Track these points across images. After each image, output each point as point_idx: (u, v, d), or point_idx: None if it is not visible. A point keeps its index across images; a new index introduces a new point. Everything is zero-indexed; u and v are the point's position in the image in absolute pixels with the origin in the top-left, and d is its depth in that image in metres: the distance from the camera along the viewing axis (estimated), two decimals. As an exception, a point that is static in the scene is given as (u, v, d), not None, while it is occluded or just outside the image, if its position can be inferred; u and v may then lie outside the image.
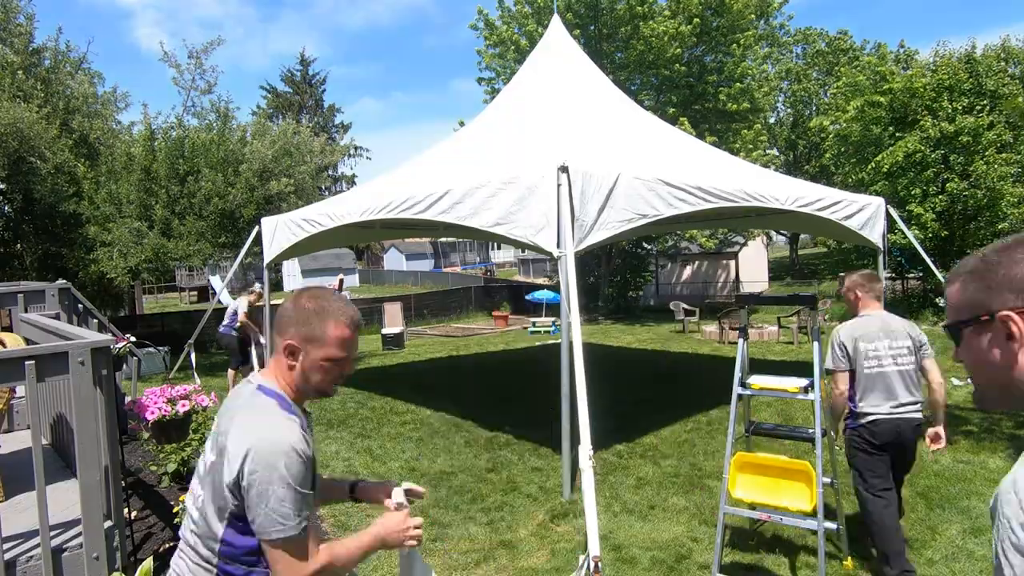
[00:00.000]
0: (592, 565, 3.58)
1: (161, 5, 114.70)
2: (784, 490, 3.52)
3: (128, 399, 4.91)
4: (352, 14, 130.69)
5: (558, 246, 4.90)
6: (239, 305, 8.98)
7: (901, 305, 15.72)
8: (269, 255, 9.24)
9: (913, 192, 14.41)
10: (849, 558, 3.80)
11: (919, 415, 3.68)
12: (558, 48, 8.79)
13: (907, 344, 3.72)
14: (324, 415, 7.82)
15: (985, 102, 14.53)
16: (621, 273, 23.67)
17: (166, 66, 12.84)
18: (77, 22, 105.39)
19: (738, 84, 19.70)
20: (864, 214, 8.12)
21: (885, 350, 3.68)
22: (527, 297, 23.97)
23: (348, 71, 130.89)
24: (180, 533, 1.62)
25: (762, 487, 3.58)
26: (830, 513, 3.88)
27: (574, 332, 4.67)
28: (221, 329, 9.13)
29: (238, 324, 8.92)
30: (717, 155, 8.64)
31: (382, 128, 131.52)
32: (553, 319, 17.59)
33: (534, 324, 18.59)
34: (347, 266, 49.92)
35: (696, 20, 19.15)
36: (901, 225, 8.52)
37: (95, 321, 5.69)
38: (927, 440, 3.73)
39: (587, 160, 5.34)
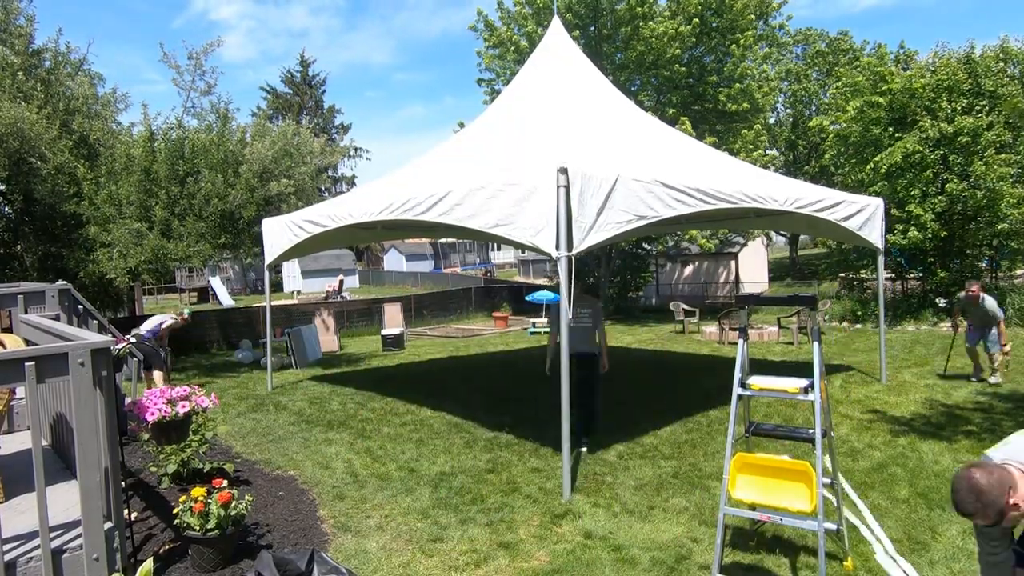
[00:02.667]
0: None
1: (255, 15, 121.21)
2: (784, 491, 3.50)
3: (128, 400, 4.92)
4: (430, 24, 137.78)
5: (557, 247, 4.91)
6: (165, 320, 9.18)
7: (901, 306, 15.70)
8: (270, 256, 9.26)
9: (912, 193, 14.39)
10: (849, 558, 3.79)
11: None
12: (558, 49, 8.80)
13: None
14: (324, 416, 7.82)
15: (984, 102, 14.52)
16: (621, 274, 23.68)
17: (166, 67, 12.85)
18: (175, 35, 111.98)
19: (738, 84, 19.71)
20: (863, 215, 8.14)
21: None
22: (527, 298, 23.98)
23: (409, 76, 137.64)
24: None
25: (762, 487, 3.55)
26: (830, 513, 3.93)
27: (563, 332, 4.68)
28: (144, 334, 8.91)
29: (159, 335, 9.05)
30: (716, 156, 8.64)
31: (427, 130, 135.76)
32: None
33: (534, 325, 18.60)
34: (347, 267, 49.93)
35: (696, 20, 19.16)
36: (877, 229, 8.45)
37: (95, 322, 5.69)
38: None
39: (586, 162, 5.34)
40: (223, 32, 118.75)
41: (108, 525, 3.16)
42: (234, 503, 3.84)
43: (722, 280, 29.35)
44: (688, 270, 30.17)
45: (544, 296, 21.11)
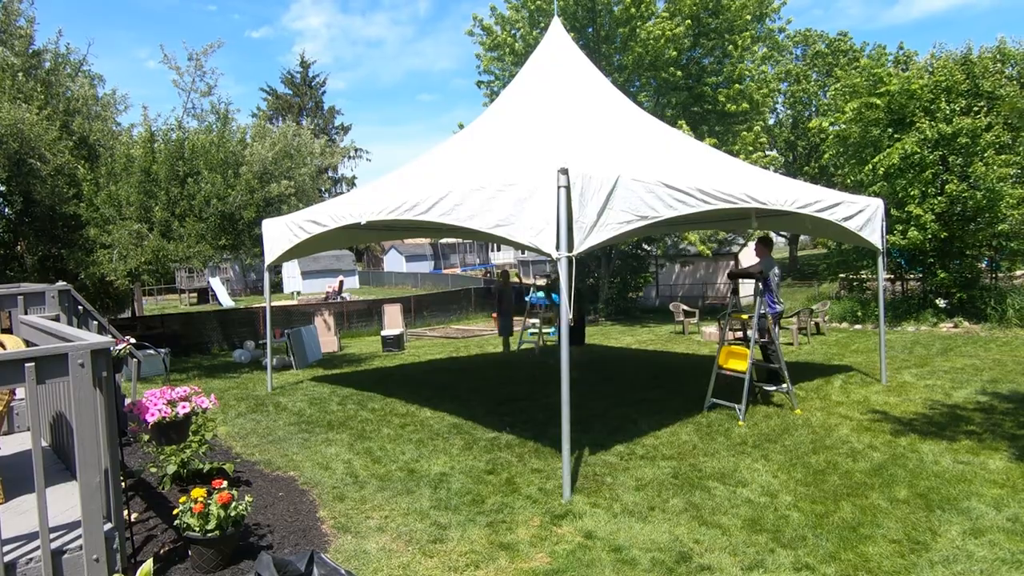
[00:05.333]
0: None
1: (337, 24, 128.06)
2: (737, 360, 7.41)
3: (128, 401, 4.91)
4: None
5: (557, 248, 4.91)
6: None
7: (901, 306, 15.69)
8: (270, 257, 9.25)
9: (912, 193, 14.40)
10: (798, 409, 7.14)
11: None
12: (557, 50, 8.80)
13: None
14: (324, 416, 7.82)
15: (982, 103, 14.54)
16: (621, 274, 23.68)
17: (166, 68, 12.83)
18: (255, 44, 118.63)
19: (737, 85, 19.72)
20: (863, 215, 8.13)
21: None
22: (527, 298, 23.99)
23: (464, 82, 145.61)
24: None
25: (731, 360, 7.50)
26: (778, 379, 7.81)
27: (564, 330, 4.69)
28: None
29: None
30: (717, 156, 8.64)
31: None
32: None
33: (535, 326, 18.58)
34: (347, 268, 49.97)
35: (688, 22, 19.15)
36: (877, 230, 8.38)
37: (95, 323, 5.69)
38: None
39: (587, 162, 5.34)
40: (305, 41, 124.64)
41: (108, 526, 3.16)
42: (234, 504, 3.83)
43: (722, 281, 29.34)
44: (688, 270, 30.18)
45: (536, 297, 21.09)
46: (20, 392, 4.44)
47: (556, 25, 9.16)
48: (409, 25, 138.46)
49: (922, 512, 4.54)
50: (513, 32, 20.45)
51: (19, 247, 12.53)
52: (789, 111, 34.90)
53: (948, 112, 14.37)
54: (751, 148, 19.39)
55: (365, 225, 7.20)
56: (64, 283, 5.45)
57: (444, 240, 51.61)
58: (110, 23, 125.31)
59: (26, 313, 4.99)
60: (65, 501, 3.53)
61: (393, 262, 60.53)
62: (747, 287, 28.05)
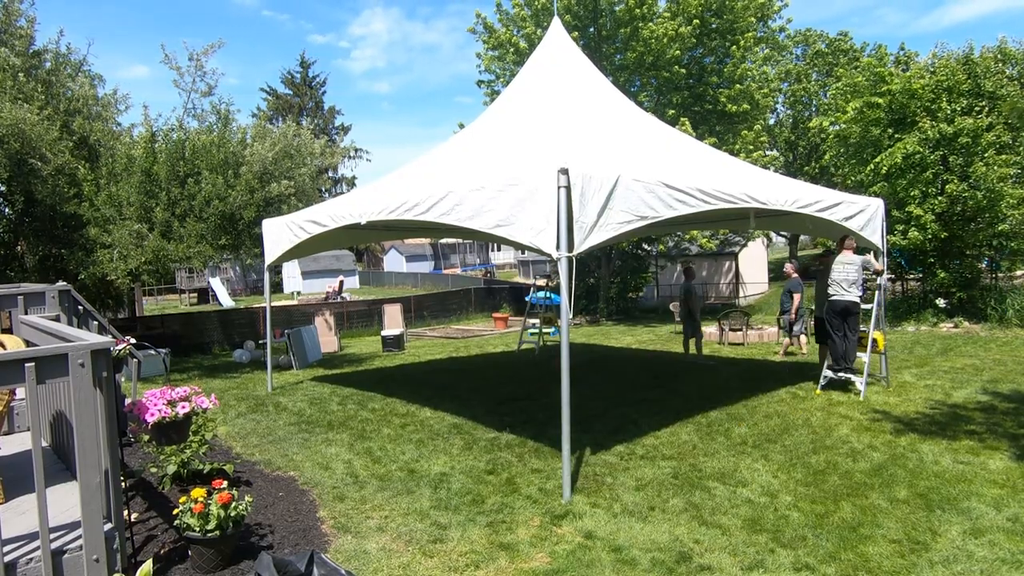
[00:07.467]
0: None
1: (399, 29, 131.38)
2: None
3: (128, 401, 4.91)
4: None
5: (558, 248, 4.91)
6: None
7: (901, 306, 15.69)
8: (270, 257, 9.26)
9: (912, 193, 14.40)
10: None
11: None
12: (558, 50, 8.80)
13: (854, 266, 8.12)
14: (324, 416, 7.82)
15: (984, 103, 14.53)
16: (621, 274, 23.68)
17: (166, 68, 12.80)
18: (312, 48, 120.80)
19: (738, 86, 19.72)
20: (864, 215, 8.13)
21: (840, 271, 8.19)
22: (527, 298, 23.99)
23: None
24: None
25: None
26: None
27: (564, 331, 4.67)
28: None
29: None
30: (717, 156, 8.64)
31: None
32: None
33: (535, 326, 18.58)
34: (347, 268, 49.96)
35: (696, 21, 19.18)
36: (878, 230, 8.35)
37: (95, 323, 5.69)
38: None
39: (587, 162, 5.34)
40: (364, 46, 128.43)
41: (108, 526, 3.16)
42: (234, 504, 3.83)
43: (722, 281, 29.36)
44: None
45: (536, 298, 21.11)
46: (20, 392, 4.44)
47: (556, 25, 9.17)
48: (464, 31, 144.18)
49: (922, 512, 4.54)
50: (516, 32, 20.46)
51: (19, 247, 12.52)
52: (789, 111, 34.85)
53: (949, 112, 14.37)
54: (751, 147, 19.39)
55: (365, 225, 7.20)
56: (64, 283, 5.45)
57: (444, 240, 51.63)
58: (189, 31, 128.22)
59: (26, 313, 4.99)
60: (65, 501, 3.53)
61: (393, 262, 60.54)
62: (753, 284, 27.92)
